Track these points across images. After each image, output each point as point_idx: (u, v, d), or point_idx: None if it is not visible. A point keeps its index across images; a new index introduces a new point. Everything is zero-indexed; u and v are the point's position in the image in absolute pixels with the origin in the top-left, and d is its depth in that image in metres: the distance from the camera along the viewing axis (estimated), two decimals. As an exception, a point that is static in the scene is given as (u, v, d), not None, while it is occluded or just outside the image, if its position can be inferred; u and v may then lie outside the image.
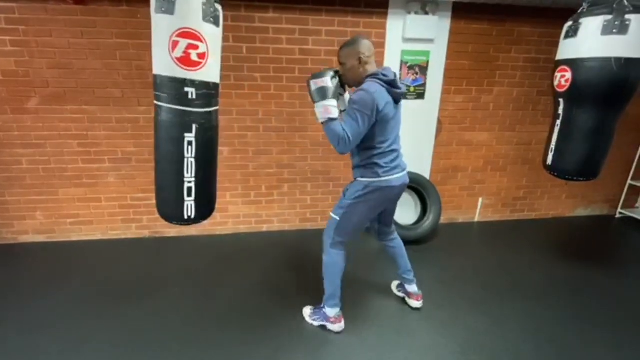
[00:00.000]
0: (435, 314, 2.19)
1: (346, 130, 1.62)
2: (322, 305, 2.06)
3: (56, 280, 2.49)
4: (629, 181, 3.69)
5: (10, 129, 2.73)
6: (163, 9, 1.44)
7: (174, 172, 1.65)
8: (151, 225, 3.16)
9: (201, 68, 1.56)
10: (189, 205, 1.70)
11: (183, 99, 1.55)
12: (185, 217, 1.71)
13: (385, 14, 2.85)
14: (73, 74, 2.66)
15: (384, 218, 2.09)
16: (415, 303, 2.21)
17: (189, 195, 1.68)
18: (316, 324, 2.07)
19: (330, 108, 1.65)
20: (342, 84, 1.82)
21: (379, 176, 1.78)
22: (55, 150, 2.82)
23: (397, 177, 1.84)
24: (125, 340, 1.94)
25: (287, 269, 2.68)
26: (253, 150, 3.06)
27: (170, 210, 1.72)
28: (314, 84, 1.68)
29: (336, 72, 1.73)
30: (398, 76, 1.74)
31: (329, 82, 1.66)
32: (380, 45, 2.92)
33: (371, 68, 1.75)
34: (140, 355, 1.85)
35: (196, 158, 1.65)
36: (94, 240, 3.10)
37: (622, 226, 3.63)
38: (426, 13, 2.85)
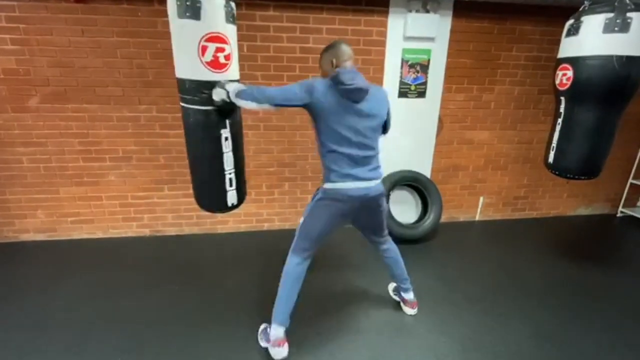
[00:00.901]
0: (435, 312, 2.19)
1: (265, 87, 1.59)
2: (271, 322, 1.85)
3: (57, 278, 2.50)
4: (630, 180, 3.68)
5: (11, 127, 2.73)
6: (188, 14, 1.44)
7: (216, 167, 1.75)
8: (152, 223, 3.16)
9: (228, 68, 1.63)
10: (232, 195, 1.84)
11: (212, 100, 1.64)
12: (230, 205, 1.85)
13: (386, 12, 2.85)
14: (74, 72, 2.66)
15: (364, 229, 2.00)
16: (410, 311, 2.17)
17: (231, 185, 1.81)
18: (262, 344, 1.87)
19: (221, 86, 1.57)
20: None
21: (333, 181, 1.70)
22: (56, 148, 2.82)
23: (353, 188, 1.69)
24: (126, 339, 1.95)
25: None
26: (254, 149, 3.06)
27: (216, 201, 1.84)
28: (215, 94, 1.60)
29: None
30: (357, 76, 1.64)
31: (221, 90, 1.59)
32: (381, 44, 2.92)
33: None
34: (140, 353, 1.85)
35: (233, 151, 1.77)
36: (95, 239, 3.10)
37: (624, 225, 3.62)
38: (427, 11, 2.85)
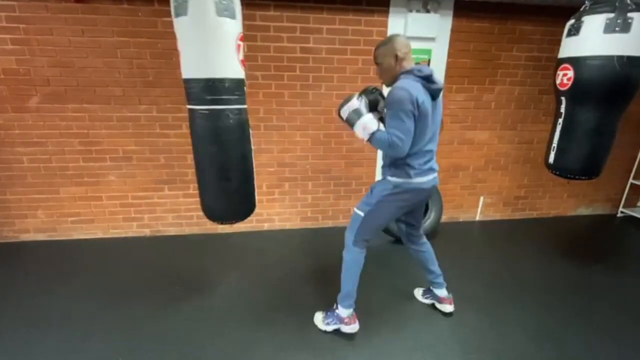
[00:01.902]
0: (435, 312, 2.19)
1: (392, 132, 1.59)
2: (334, 307, 2.00)
3: (57, 278, 2.50)
4: (630, 180, 3.68)
5: (11, 127, 2.73)
6: (226, 12, 1.45)
7: (249, 167, 1.79)
8: (152, 223, 3.16)
9: (244, 66, 1.67)
10: (256, 194, 1.89)
11: (244, 98, 1.67)
12: (256, 204, 1.90)
13: (386, 12, 2.84)
14: (74, 72, 2.66)
15: (411, 219, 2.03)
16: (449, 307, 2.14)
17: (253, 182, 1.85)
18: (330, 328, 1.99)
19: (367, 124, 1.66)
20: (372, 102, 1.77)
21: (410, 177, 1.73)
22: (56, 148, 2.82)
23: (428, 180, 1.78)
24: (126, 339, 1.95)
25: (288, 267, 2.68)
26: (254, 149, 3.04)
27: (246, 206, 1.87)
28: (345, 112, 1.70)
29: (360, 94, 1.74)
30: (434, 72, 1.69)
31: (356, 103, 1.68)
32: (381, 44, 2.91)
33: (407, 64, 1.70)
34: (139, 353, 1.85)
35: (253, 148, 1.82)
36: (95, 239, 3.10)
37: (624, 225, 3.62)
38: (427, 11, 2.84)
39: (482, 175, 3.50)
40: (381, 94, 1.77)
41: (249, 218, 3.25)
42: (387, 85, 1.78)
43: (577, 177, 2.20)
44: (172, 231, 3.21)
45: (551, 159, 2.27)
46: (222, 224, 1.92)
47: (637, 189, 3.74)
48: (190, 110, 1.58)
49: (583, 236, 3.37)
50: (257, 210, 3.24)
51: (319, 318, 2.06)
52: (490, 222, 3.63)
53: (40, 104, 2.71)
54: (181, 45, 1.48)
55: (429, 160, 1.77)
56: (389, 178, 1.79)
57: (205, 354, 1.85)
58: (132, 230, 3.16)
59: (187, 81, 1.54)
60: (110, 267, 2.65)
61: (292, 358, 1.83)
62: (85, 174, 2.93)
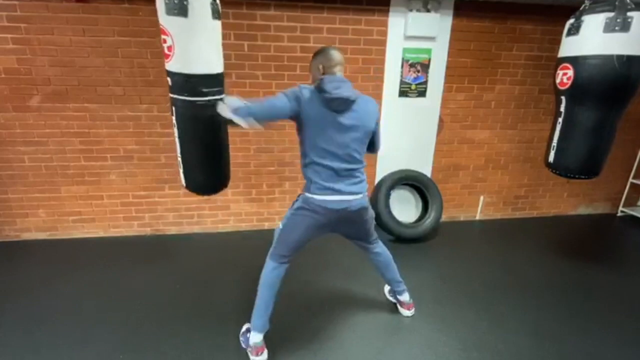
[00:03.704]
0: (435, 311, 2.20)
1: (251, 102, 1.55)
2: (249, 327, 1.85)
3: (58, 277, 2.51)
4: (630, 179, 3.68)
5: (12, 126, 2.74)
6: (216, 15, 1.59)
7: (227, 147, 1.94)
8: (153, 222, 3.17)
9: None
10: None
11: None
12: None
13: (386, 12, 2.85)
14: (75, 71, 2.67)
15: (349, 236, 1.94)
16: (407, 312, 2.15)
17: None
18: (243, 345, 1.87)
19: (230, 101, 1.59)
20: None
21: (311, 191, 1.64)
22: (57, 148, 2.83)
23: (333, 200, 1.63)
24: (127, 337, 1.95)
25: (288, 267, 2.68)
26: (254, 148, 3.06)
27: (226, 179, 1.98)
28: (222, 110, 1.63)
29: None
30: (344, 84, 1.58)
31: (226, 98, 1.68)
32: (381, 43, 2.92)
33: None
34: (139, 352, 1.86)
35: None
36: (96, 238, 3.11)
37: (624, 224, 3.63)
38: (428, 10, 2.85)
39: (482, 175, 3.51)
40: None
41: (249, 217, 3.28)
42: None
43: (576, 176, 2.21)
44: (172, 230, 3.22)
45: (551, 158, 2.28)
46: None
47: (637, 188, 3.74)
48: (188, 101, 1.67)
49: (583, 235, 3.38)
50: (257, 209, 3.28)
51: (243, 329, 1.95)
52: (490, 221, 3.64)
53: (41, 103, 2.71)
54: (179, 43, 1.56)
55: (333, 178, 1.63)
56: (303, 191, 1.73)
57: (206, 354, 1.86)
58: (133, 230, 3.17)
59: (186, 76, 1.62)
60: (111, 266, 2.66)
61: (291, 356, 1.84)
62: (86, 173, 2.94)
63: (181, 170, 1.89)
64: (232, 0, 2.62)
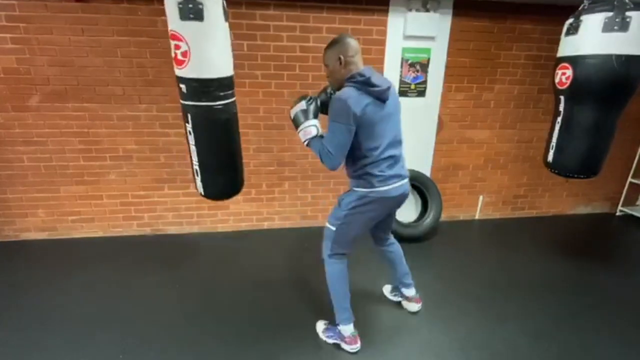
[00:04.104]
0: (435, 311, 2.20)
1: (325, 144, 1.56)
2: (336, 322, 1.92)
3: (57, 277, 2.51)
4: (629, 179, 3.68)
5: (11, 126, 2.73)
6: (225, 16, 1.58)
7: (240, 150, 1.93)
8: (152, 222, 3.17)
9: None
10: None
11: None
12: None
13: (386, 11, 2.85)
14: (74, 71, 2.67)
15: (382, 225, 1.97)
16: (415, 306, 2.16)
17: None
18: (330, 341, 1.94)
19: (308, 129, 1.65)
20: (323, 104, 1.77)
21: (374, 186, 1.66)
22: (56, 147, 2.83)
23: (395, 187, 1.69)
24: (127, 337, 1.96)
25: (288, 266, 2.69)
26: (254, 148, 3.06)
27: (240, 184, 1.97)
28: (293, 112, 1.71)
29: (312, 97, 1.75)
30: (377, 73, 1.64)
31: (304, 105, 1.69)
32: (380, 43, 2.92)
33: (354, 68, 1.63)
34: (141, 351, 1.86)
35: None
36: (95, 238, 3.11)
37: (623, 224, 3.63)
38: (427, 10, 2.85)
39: (481, 174, 3.51)
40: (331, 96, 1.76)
41: (248, 217, 3.29)
42: (334, 90, 1.73)
43: (576, 175, 2.21)
44: (172, 230, 3.22)
45: (550, 158, 2.28)
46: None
47: (636, 187, 3.75)
48: (207, 107, 1.65)
49: (582, 235, 3.38)
50: (257, 209, 3.28)
51: (320, 327, 2.02)
52: (489, 220, 3.64)
53: (40, 103, 2.71)
54: (195, 49, 1.53)
55: (391, 166, 1.68)
56: (355, 189, 1.73)
57: (204, 352, 1.86)
58: (133, 229, 3.17)
59: (204, 81, 1.60)
60: (111, 266, 2.66)
61: (290, 357, 1.84)
62: (86, 173, 2.94)
63: (199, 179, 1.82)
64: (231, 0, 2.61)
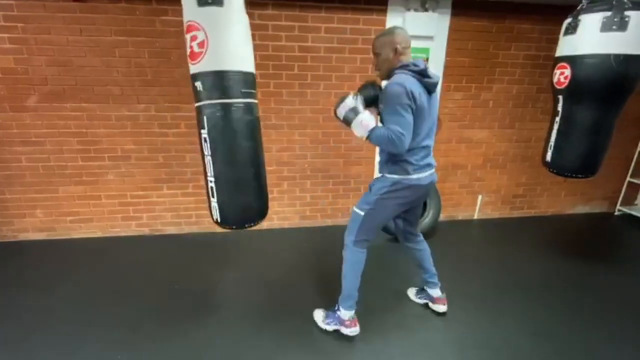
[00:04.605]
0: (434, 310, 2.20)
1: (391, 128, 1.55)
2: (335, 308, 1.99)
3: (56, 277, 2.50)
4: (628, 178, 3.69)
5: (9, 126, 2.73)
6: (248, 9, 1.50)
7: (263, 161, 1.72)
8: (151, 222, 3.17)
9: None
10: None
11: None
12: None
13: (384, 11, 2.85)
14: (72, 71, 2.66)
15: (409, 217, 2.01)
16: (442, 307, 2.14)
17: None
18: (329, 328, 1.99)
19: (365, 121, 1.65)
20: (369, 100, 1.76)
21: (409, 174, 1.71)
22: (54, 147, 2.82)
23: (426, 176, 1.76)
24: (125, 337, 1.95)
25: (287, 266, 2.69)
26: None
27: (265, 206, 1.80)
28: (341, 111, 1.70)
29: (357, 92, 1.74)
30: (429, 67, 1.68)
31: (352, 101, 1.68)
32: (379, 43, 2.92)
33: (405, 59, 1.68)
34: (140, 352, 1.85)
35: None
36: (94, 238, 3.10)
37: (621, 223, 3.64)
38: (426, 10, 2.85)
39: (480, 174, 3.52)
40: (380, 88, 1.75)
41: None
42: (382, 79, 1.77)
43: (574, 175, 2.21)
44: (171, 230, 3.22)
45: (548, 157, 2.28)
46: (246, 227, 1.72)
47: (634, 187, 3.76)
48: (225, 104, 1.47)
49: (581, 234, 3.39)
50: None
51: (319, 316, 2.06)
52: (488, 220, 3.65)
53: (38, 103, 2.70)
54: (213, 37, 1.38)
55: (426, 156, 1.75)
56: (387, 175, 1.77)
57: (204, 353, 1.86)
58: (131, 229, 3.16)
59: (223, 73, 1.44)
60: (109, 266, 2.66)
61: (292, 357, 1.84)
62: (84, 173, 2.93)
63: (214, 200, 1.56)
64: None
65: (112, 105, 2.78)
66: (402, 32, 1.67)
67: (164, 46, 2.68)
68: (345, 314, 1.94)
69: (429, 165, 1.78)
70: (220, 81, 1.44)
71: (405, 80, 1.57)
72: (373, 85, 1.79)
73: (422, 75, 1.62)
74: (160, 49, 2.68)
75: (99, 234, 3.13)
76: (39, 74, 2.63)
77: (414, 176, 1.72)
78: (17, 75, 2.61)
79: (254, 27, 2.71)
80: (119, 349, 1.87)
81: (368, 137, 1.66)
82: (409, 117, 1.57)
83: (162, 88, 2.78)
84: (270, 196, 3.21)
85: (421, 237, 2.12)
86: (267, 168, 3.08)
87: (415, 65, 1.63)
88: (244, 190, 1.61)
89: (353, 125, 1.68)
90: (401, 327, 2.06)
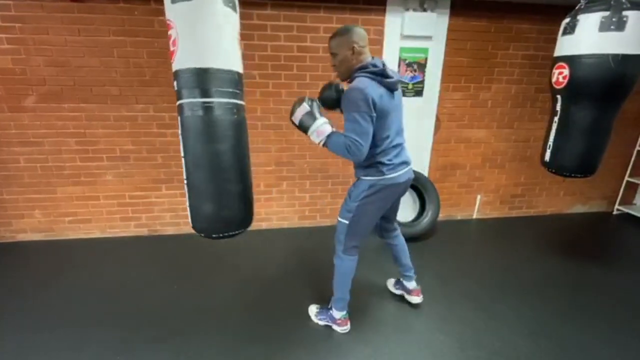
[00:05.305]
0: (433, 310, 2.20)
1: (349, 135, 1.54)
2: (329, 307, 2.05)
3: (54, 278, 2.49)
4: (626, 178, 3.70)
5: (7, 127, 2.72)
6: (230, 4, 1.40)
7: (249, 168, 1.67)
8: (150, 223, 3.16)
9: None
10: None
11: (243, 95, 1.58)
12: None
13: (383, 11, 2.85)
14: (70, 71, 2.65)
15: (388, 214, 2.01)
16: (416, 299, 2.19)
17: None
18: (322, 323, 2.05)
19: (321, 128, 1.63)
20: (330, 102, 1.76)
21: (384, 174, 1.71)
22: (52, 148, 2.82)
23: (402, 174, 1.76)
24: (124, 338, 1.95)
25: (286, 266, 2.68)
26: (251, 148, 2.99)
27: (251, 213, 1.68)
28: (297, 117, 1.68)
29: (310, 98, 1.72)
30: (388, 65, 1.66)
31: (307, 107, 1.66)
32: (378, 43, 2.92)
33: (365, 58, 1.65)
34: (139, 352, 1.85)
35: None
36: (93, 239, 3.10)
37: (620, 222, 3.64)
38: (424, 10, 2.85)
39: (479, 174, 3.52)
40: (342, 90, 1.72)
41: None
42: (343, 79, 1.76)
43: (572, 175, 2.21)
44: (169, 230, 3.21)
45: (547, 157, 2.28)
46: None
47: (632, 186, 3.76)
48: (191, 103, 1.41)
49: (579, 234, 3.39)
50: (255, 209, 3.26)
51: (313, 310, 2.12)
52: (487, 220, 3.65)
53: (36, 104, 2.70)
54: (183, 33, 1.32)
55: (399, 154, 1.75)
56: (363, 178, 1.76)
57: (202, 352, 1.85)
58: (130, 230, 3.16)
59: (194, 71, 1.36)
60: (108, 267, 2.65)
61: (288, 355, 1.84)
62: (82, 174, 2.92)
63: (187, 203, 1.51)
64: (228, 0, 2.61)
65: (110, 105, 2.77)
66: (359, 30, 1.63)
67: (162, 46, 2.67)
68: (337, 313, 1.99)
69: (404, 163, 1.78)
70: (189, 80, 1.37)
71: (366, 86, 1.54)
72: (335, 86, 1.76)
73: (382, 76, 1.60)
74: (158, 49, 2.68)
75: (97, 235, 3.13)
76: (37, 74, 2.63)
77: (389, 176, 1.73)
78: (15, 75, 2.61)
79: (253, 27, 2.74)
80: (117, 350, 1.87)
81: (325, 144, 1.64)
82: (367, 126, 1.54)
83: (160, 88, 2.77)
84: (269, 196, 3.25)
85: (397, 232, 2.14)
86: (266, 168, 3.14)
87: (374, 65, 1.61)
88: (213, 198, 1.47)
89: (309, 132, 1.66)
90: (399, 326, 2.06)
